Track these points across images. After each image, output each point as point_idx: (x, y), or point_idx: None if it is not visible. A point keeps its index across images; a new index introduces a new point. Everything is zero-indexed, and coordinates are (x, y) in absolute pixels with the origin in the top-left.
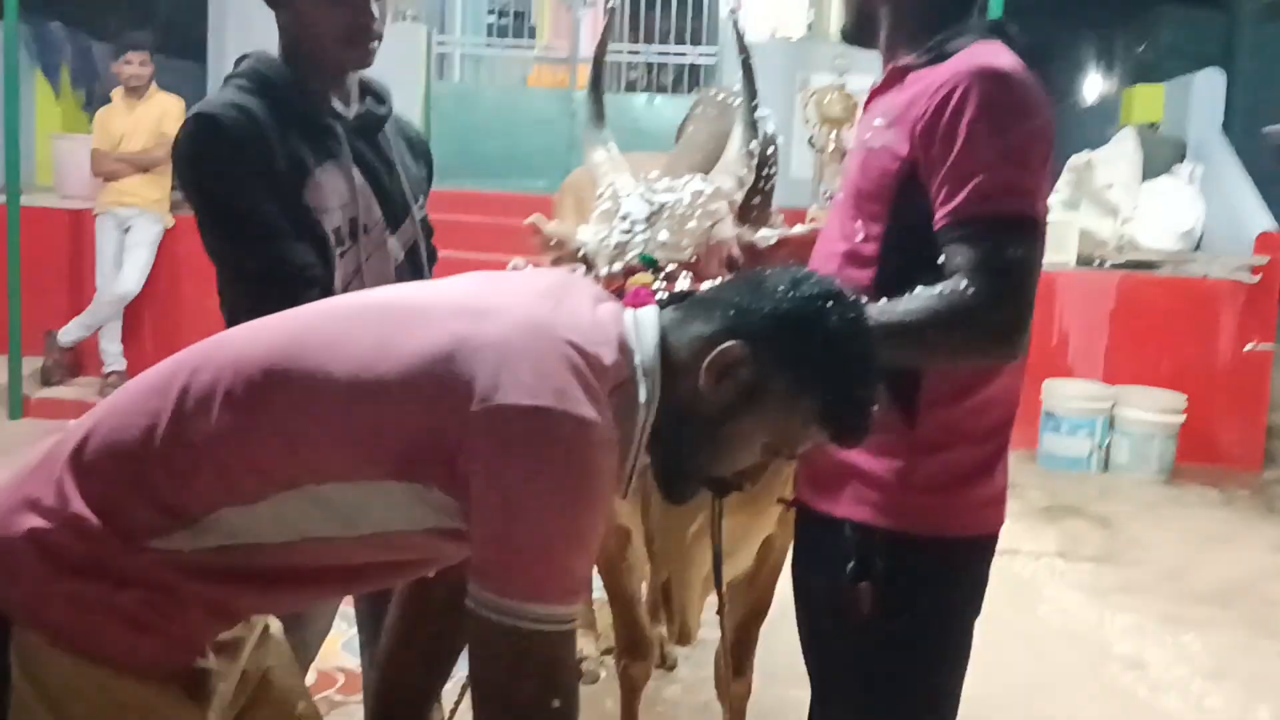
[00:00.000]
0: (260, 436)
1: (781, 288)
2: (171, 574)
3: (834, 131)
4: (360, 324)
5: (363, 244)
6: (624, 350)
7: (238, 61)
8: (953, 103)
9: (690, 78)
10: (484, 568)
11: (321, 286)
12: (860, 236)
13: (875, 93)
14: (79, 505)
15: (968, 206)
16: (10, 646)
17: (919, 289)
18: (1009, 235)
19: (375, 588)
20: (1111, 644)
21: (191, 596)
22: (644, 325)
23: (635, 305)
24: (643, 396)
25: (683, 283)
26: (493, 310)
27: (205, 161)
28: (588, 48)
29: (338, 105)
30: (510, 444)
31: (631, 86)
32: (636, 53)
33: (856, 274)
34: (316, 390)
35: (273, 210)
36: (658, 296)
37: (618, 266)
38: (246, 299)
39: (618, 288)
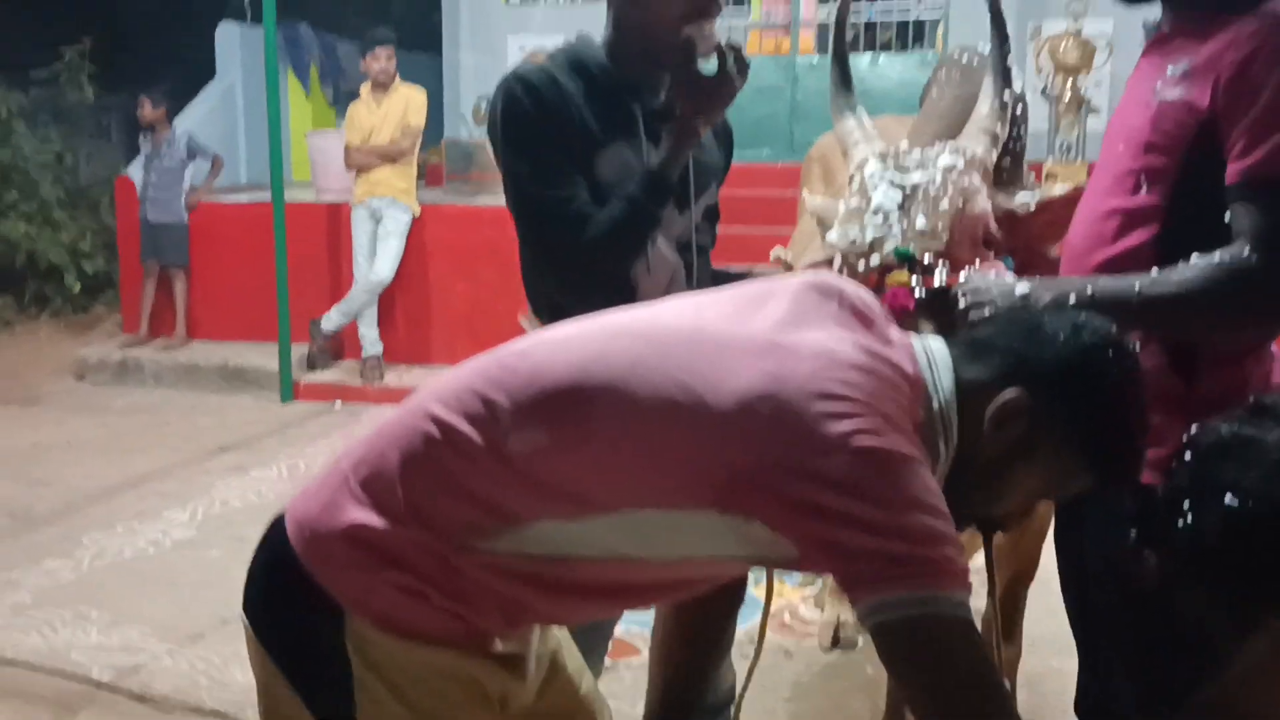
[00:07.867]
0: (577, 457)
1: (1063, 335)
2: (486, 574)
3: (1070, 80)
4: (663, 350)
5: None
6: (916, 388)
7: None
8: (1264, 52)
9: (914, 33)
10: (873, 575)
11: (594, 222)
12: (1144, 192)
13: (1160, 39)
14: (401, 502)
15: (1264, 166)
16: (347, 635)
17: (1194, 258)
18: None
19: (666, 602)
20: None
21: (496, 597)
22: (940, 367)
23: (894, 306)
24: (941, 447)
25: (939, 275)
26: (799, 345)
27: (509, 114)
28: (807, 11)
29: (644, 92)
30: (857, 483)
31: (853, 46)
32: (858, 11)
33: (1137, 233)
34: (633, 416)
35: (563, 161)
36: (916, 294)
37: (875, 261)
38: (531, 246)
39: (874, 284)
